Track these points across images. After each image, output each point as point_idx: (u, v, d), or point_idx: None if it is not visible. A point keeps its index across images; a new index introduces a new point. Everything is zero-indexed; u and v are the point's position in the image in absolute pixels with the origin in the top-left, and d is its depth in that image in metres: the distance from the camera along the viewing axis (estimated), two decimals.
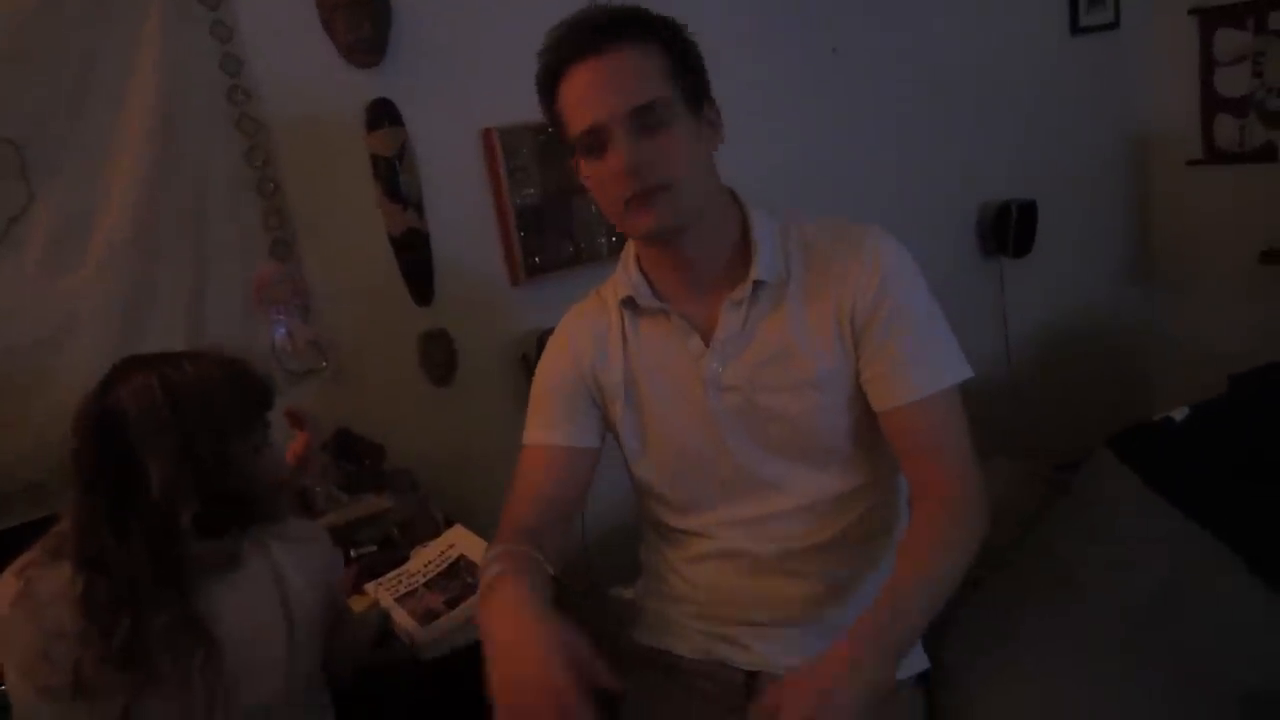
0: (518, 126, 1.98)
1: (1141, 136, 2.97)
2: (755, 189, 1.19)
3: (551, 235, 2.07)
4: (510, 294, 2.09)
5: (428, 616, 1.40)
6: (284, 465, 1.26)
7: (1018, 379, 2.84)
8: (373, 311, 1.95)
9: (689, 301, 1.14)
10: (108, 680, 0.98)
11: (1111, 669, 1.25)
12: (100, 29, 1.62)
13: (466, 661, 1.39)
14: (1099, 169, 2.96)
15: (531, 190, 2.03)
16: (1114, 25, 2.85)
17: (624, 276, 1.18)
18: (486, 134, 2.00)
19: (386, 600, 1.47)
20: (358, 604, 1.49)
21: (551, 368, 1.22)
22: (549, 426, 1.18)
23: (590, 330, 1.20)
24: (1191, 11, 2.75)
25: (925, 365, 1.07)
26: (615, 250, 1.95)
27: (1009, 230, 2.70)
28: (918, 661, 1.18)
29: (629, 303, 1.17)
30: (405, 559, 1.60)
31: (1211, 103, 2.78)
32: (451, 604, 1.42)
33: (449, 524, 1.68)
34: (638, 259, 1.18)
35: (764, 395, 1.10)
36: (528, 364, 1.26)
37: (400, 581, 1.51)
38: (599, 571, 1.86)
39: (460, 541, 1.57)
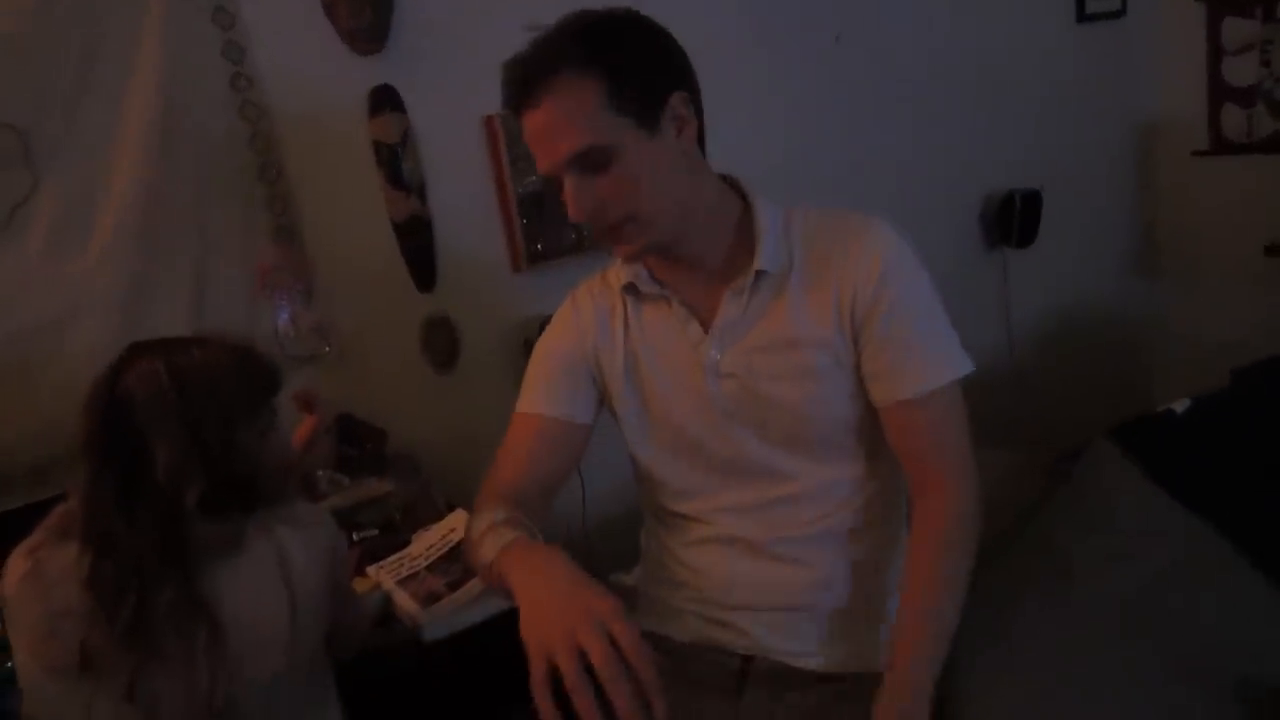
0: None
1: (1147, 126, 2.96)
2: (756, 178, 1.18)
3: (553, 222, 2.07)
4: (512, 281, 2.10)
5: (429, 599, 1.41)
6: (290, 449, 1.28)
7: (1020, 370, 2.84)
8: (375, 297, 1.96)
9: (690, 289, 1.14)
10: (113, 658, 1.00)
11: (1110, 660, 1.26)
12: (103, 16, 1.62)
13: (468, 643, 1.41)
14: (1104, 159, 2.95)
15: (534, 177, 2.03)
16: (1120, 13, 2.84)
17: (625, 263, 1.18)
18: (489, 121, 2.00)
19: (388, 583, 1.48)
20: (359, 586, 1.50)
21: (555, 340, 1.22)
22: (546, 396, 1.18)
23: (595, 309, 1.20)
24: None
25: (925, 361, 1.07)
26: None
27: (1013, 220, 2.69)
28: None
29: (630, 288, 1.17)
30: (407, 543, 1.61)
31: (1218, 92, 2.76)
32: (453, 587, 1.43)
33: (450, 509, 1.69)
34: None
35: (763, 383, 1.11)
36: (529, 350, 1.26)
37: (402, 564, 1.52)
38: (599, 557, 1.87)
39: (461, 526, 1.57)
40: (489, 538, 0.96)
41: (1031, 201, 2.69)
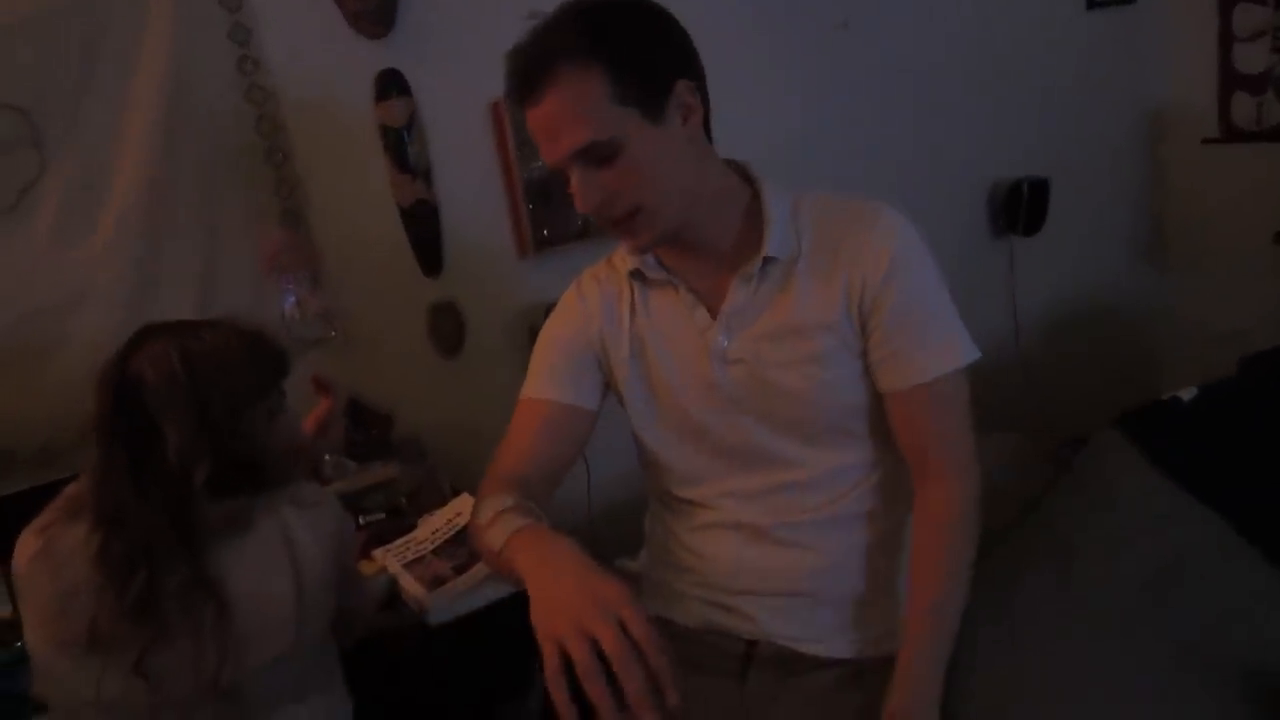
0: None
1: (1157, 113, 2.93)
2: (762, 165, 1.18)
3: (560, 208, 2.07)
4: (518, 266, 2.10)
5: (435, 583, 1.42)
6: (299, 432, 1.28)
7: (1026, 358, 2.83)
8: (382, 282, 1.96)
9: (697, 275, 1.14)
10: (122, 634, 1.01)
11: (1112, 646, 1.26)
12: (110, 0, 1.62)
13: (473, 627, 1.42)
14: (1113, 146, 2.92)
15: (540, 163, 2.01)
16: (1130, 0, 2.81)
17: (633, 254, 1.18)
18: (495, 106, 1.99)
19: (394, 566, 1.49)
20: (365, 570, 1.52)
21: (560, 325, 1.22)
22: (551, 382, 1.18)
23: (601, 295, 1.20)
24: None
25: (932, 349, 1.07)
26: None
27: (1020, 208, 2.68)
28: None
29: (637, 274, 1.17)
30: (413, 527, 1.62)
31: (1229, 79, 2.73)
32: (459, 570, 1.44)
33: (456, 493, 1.70)
34: None
35: (770, 370, 1.10)
36: (535, 336, 1.26)
37: (408, 548, 1.53)
38: (604, 543, 1.87)
39: (467, 510, 1.58)
40: (497, 524, 0.95)
41: (1039, 189, 2.67)
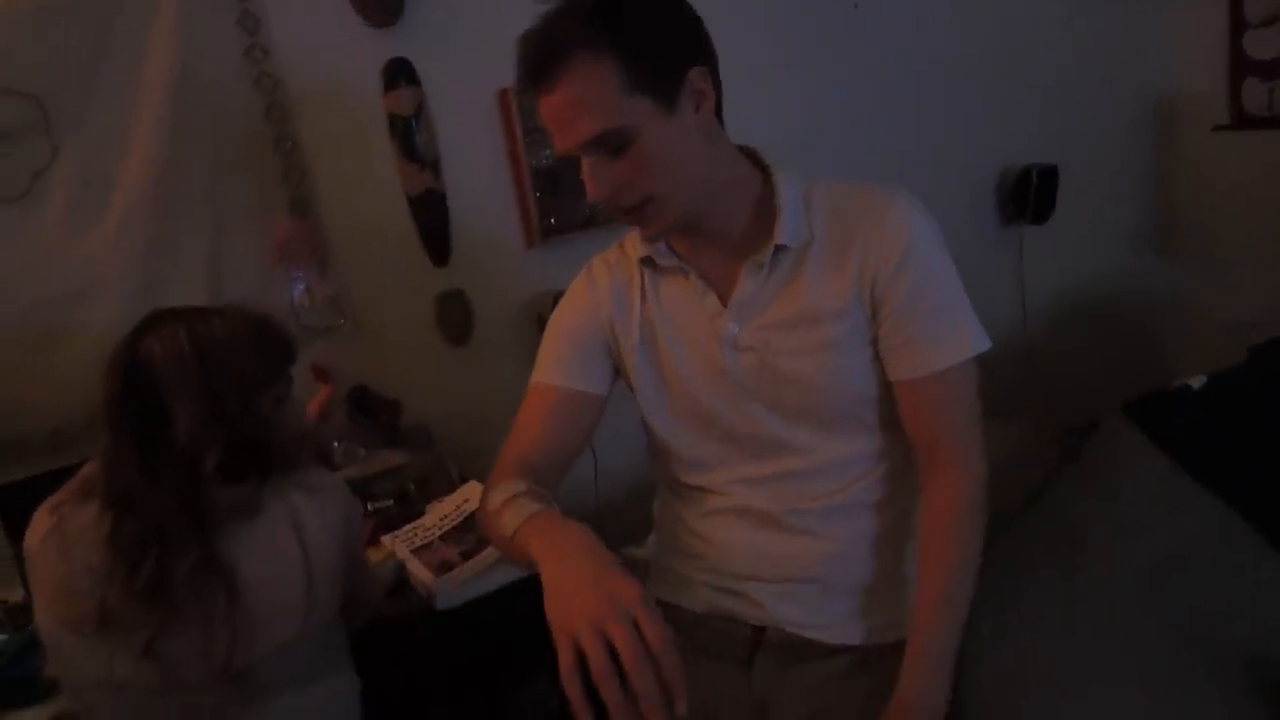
0: None
1: (1167, 100, 2.91)
2: (770, 149, 1.17)
3: (568, 197, 2.07)
4: (526, 255, 2.10)
5: (443, 568, 1.43)
6: (306, 417, 1.29)
7: (1034, 347, 2.82)
8: (390, 271, 1.97)
9: (708, 262, 1.13)
10: (132, 615, 1.02)
11: (1118, 634, 1.26)
12: None
13: (480, 612, 1.43)
14: (1122, 133, 2.90)
15: (548, 152, 2.02)
16: None
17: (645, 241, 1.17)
18: (503, 94, 1.99)
19: (402, 552, 1.50)
20: (374, 555, 1.53)
21: (570, 311, 1.22)
22: (561, 368, 1.18)
23: (611, 281, 1.20)
24: None
25: (944, 338, 1.06)
26: None
27: (1029, 196, 2.66)
28: None
29: (648, 261, 1.17)
30: (421, 513, 1.62)
31: (1240, 65, 2.71)
32: (466, 556, 1.44)
33: (463, 480, 1.71)
34: None
35: (781, 358, 1.10)
36: (542, 325, 1.26)
37: (416, 534, 1.54)
38: (610, 532, 1.88)
39: (475, 497, 1.59)
40: (509, 510, 0.95)
41: (1048, 177, 2.66)
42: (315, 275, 1.86)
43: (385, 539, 1.56)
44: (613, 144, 0.98)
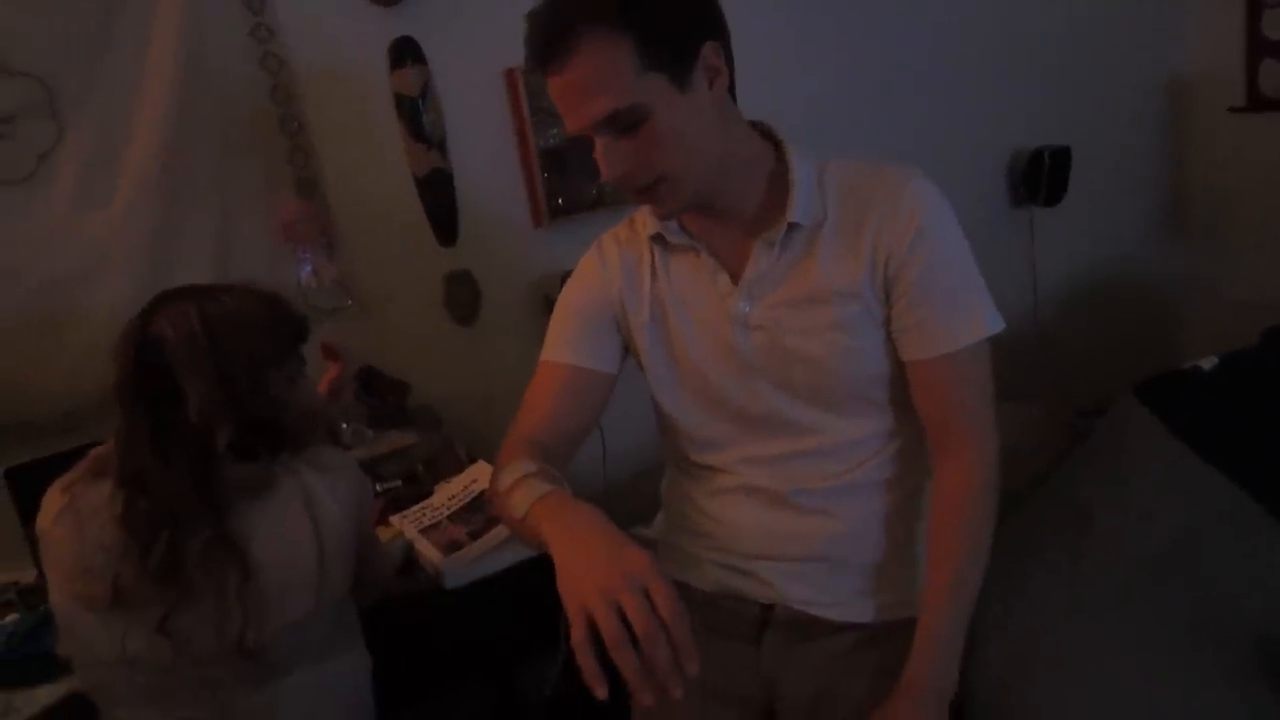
0: None
1: (1182, 81, 2.88)
2: (782, 129, 1.15)
3: (575, 177, 2.06)
4: (533, 235, 2.09)
5: (451, 547, 1.43)
6: (317, 396, 1.30)
7: (1046, 329, 2.81)
8: (397, 251, 1.97)
9: (720, 240, 1.12)
10: (145, 593, 1.03)
11: (1127, 615, 1.26)
12: None
13: (488, 591, 1.43)
14: (1136, 115, 2.87)
15: (555, 131, 2.01)
16: None
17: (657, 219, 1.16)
18: (509, 74, 1.98)
19: (411, 532, 1.50)
20: (382, 535, 1.53)
21: (580, 288, 1.21)
22: (570, 346, 1.17)
23: (621, 258, 1.19)
24: None
25: (957, 318, 1.05)
26: None
27: (1041, 178, 2.64)
28: None
29: (659, 238, 1.16)
30: (429, 493, 1.63)
31: (1257, 46, 2.67)
32: (474, 536, 1.45)
33: (471, 460, 1.71)
34: None
35: (791, 337, 1.09)
36: (550, 305, 1.25)
37: (424, 514, 1.55)
38: (618, 512, 1.88)
39: (483, 477, 1.59)
40: (519, 490, 0.94)
41: (1061, 158, 2.63)
42: (322, 256, 1.86)
43: (394, 519, 1.56)
44: (625, 123, 0.97)
